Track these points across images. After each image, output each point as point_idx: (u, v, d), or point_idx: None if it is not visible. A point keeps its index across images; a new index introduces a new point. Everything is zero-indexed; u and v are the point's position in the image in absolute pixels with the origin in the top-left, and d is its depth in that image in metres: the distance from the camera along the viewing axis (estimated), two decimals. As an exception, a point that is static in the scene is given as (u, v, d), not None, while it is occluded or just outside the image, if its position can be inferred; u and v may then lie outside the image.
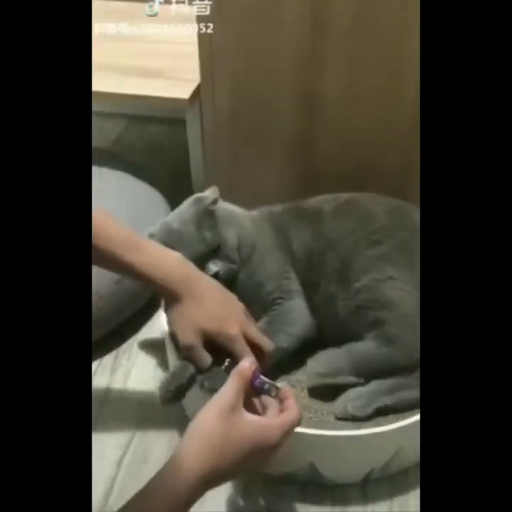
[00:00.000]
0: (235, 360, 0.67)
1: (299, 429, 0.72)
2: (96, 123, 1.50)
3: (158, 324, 1.01)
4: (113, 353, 0.99)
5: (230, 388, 0.60)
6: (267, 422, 0.61)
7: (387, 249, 0.82)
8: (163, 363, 0.97)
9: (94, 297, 0.92)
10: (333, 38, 0.92)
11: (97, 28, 1.14)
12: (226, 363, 0.67)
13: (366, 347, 0.78)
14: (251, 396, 0.64)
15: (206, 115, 1.06)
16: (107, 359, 0.98)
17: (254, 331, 0.75)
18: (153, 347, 1.00)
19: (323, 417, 0.77)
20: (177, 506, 0.54)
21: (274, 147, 1.07)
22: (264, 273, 0.85)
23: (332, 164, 1.05)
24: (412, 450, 0.77)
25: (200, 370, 0.72)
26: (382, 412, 0.75)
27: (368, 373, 0.77)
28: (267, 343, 0.76)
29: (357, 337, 0.80)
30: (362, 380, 0.77)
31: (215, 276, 0.80)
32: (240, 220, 0.87)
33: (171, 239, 0.82)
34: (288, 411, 0.62)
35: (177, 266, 0.73)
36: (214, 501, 0.78)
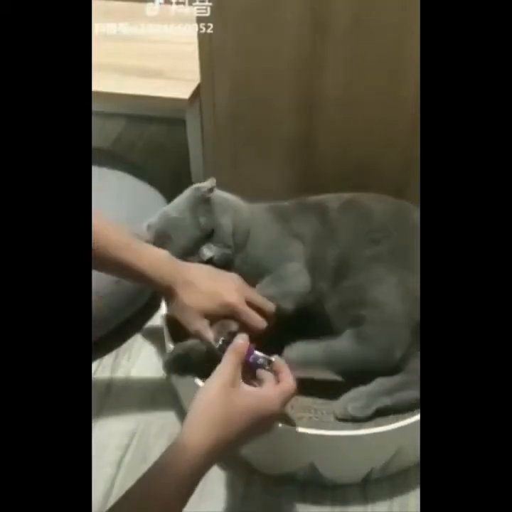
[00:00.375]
0: (243, 327, 0.72)
1: (299, 429, 0.72)
2: (96, 123, 1.50)
3: (158, 324, 1.01)
4: (113, 353, 0.99)
5: (228, 364, 0.63)
6: (266, 393, 0.64)
7: (382, 249, 0.82)
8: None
9: (94, 297, 0.92)
10: (333, 38, 0.92)
11: (97, 28, 1.14)
12: (220, 342, 0.70)
13: (341, 344, 0.78)
14: (246, 371, 0.66)
15: (206, 115, 1.06)
16: (107, 359, 0.98)
17: (254, 295, 0.77)
18: (154, 347, 1.00)
19: (323, 417, 0.77)
20: (186, 480, 0.56)
21: (274, 147, 1.07)
22: (261, 249, 0.85)
23: (332, 164, 1.05)
24: (412, 450, 0.77)
25: (217, 350, 0.72)
26: (383, 413, 0.75)
27: (342, 371, 0.77)
28: (268, 305, 0.77)
29: (337, 334, 0.79)
30: (339, 378, 0.77)
31: (210, 261, 0.81)
32: (235, 206, 0.88)
33: (167, 226, 0.83)
34: (283, 381, 0.65)
35: (166, 262, 0.75)
36: (214, 501, 0.78)
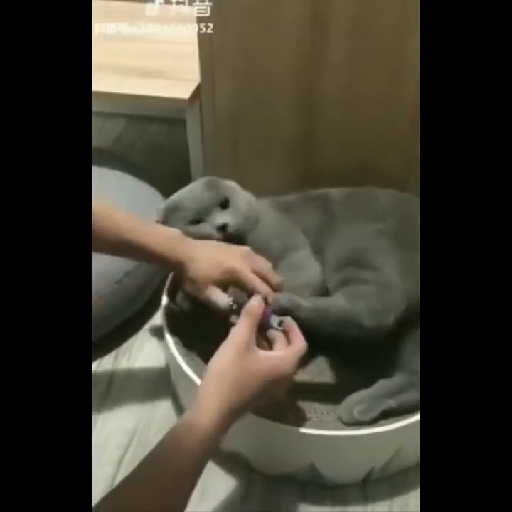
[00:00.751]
0: (249, 294, 0.71)
1: (299, 429, 0.72)
2: (96, 123, 1.50)
3: (158, 324, 1.01)
4: (113, 353, 0.99)
5: (242, 328, 0.63)
6: (279, 354, 0.65)
7: (386, 225, 0.82)
8: (163, 363, 0.97)
9: (94, 297, 0.92)
10: (333, 38, 0.92)
11: (97, 28, 1.14)
12: (234, 306, 0.71)
13: (332, 299, 0.76)
14: (259, 333, 0.67)
15: (206, 115, 1.06)
16: (107, 359, 0.98)
17: (260, 265, 0.76)
18: (154, 346, 1.00)
19: (323, 417, 0.77)
20: (204, 443, 0.56)
21: (274, 147, 1.07)
22: (270, 232, 0.86)
23: (332, 164, 1.05)
24: (412, 450, 0.77)
25: (226, 312, 0.73)
26: (387, 415, 0.74)
27: (330, 326, 0.73)
28: (275, 277, 0.76)
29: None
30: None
31: (223, 229, 0.82)
32: (247, 194, 0.89)
33: (178, 199, 0.86)
34: (295, 342, 0.66)
35: (175, 239, 0.77)
36: (214, 501, 0.78)
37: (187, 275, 0.75)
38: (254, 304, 0.66)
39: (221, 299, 0.73)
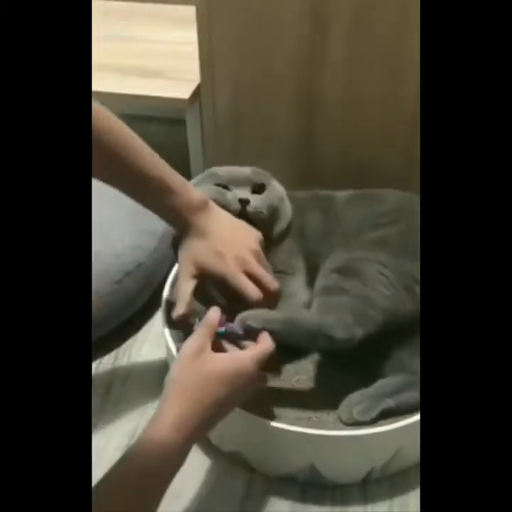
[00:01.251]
0: (236, 293, 0.71)
1: (299, 429, 0.72)
2: (96, 123, 1.50)
3: (158, 324, 1.01)
4: (113, 353, 0.99)
5: (195, 336, 0.64)
6: (237, 355, 0.65)
7: (387, 233, 0.82)
8: (163, 363, 0.97)
9: (94, 297, 0.92)
10: (333, 38, 0.92)
11: (97, 28, 1.14)
12: (197, 322, 0.70)
13: (303, 311, 0.76)
14: (227, 343, 0.68)
15: (206, 115, 1.06)
16: (107, 359, 0.98)
17: (257, 269, 0.74)
18: (154, 347, 1.00)
19: (323, 417, 0.77)
20: (165, 452, 0.56)
21: (274, 147, 1.07)
22: (274, 257, 0.85)
23: (332, 164, 1.05)
24: (412, 450, 0.77)
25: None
26: (387, 415, 0.74)
27: (299, 339, 0.73)
28: (270, 281, 0.74)
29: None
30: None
31: (243, 204, 0.82)
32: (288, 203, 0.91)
33: (219, 169, 0.88)
34: (259, 342, 0.66)
35: (198, 201, 0.75)
36: (214, 501, 0.78)
37: (186, 243, 0.73)
38: (212, 314, 0.67)
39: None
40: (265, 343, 0.66)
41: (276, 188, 0.90)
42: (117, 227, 1.01)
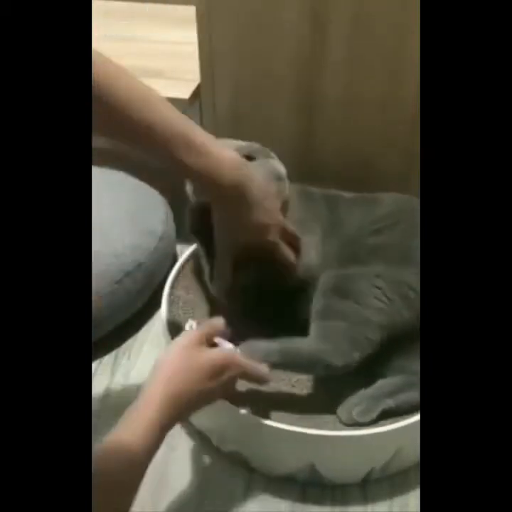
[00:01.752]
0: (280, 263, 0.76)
1: (299, 429, 0.72)
2: (96, 123, 1.50)
3: (158, 324, 1.01)
4: (113, 353, 0.99)
5: (195, 331, 0.67)
6: (231, 348, 0.68)
7: (383, 240, 0.81)
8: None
9: (94, 297, 0.92)
10: (333, 38, 0.92)
11: (97, 28, 1.14)
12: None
13: (299, 340, 0.76)
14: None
15: (206, 115, 1.06)
16: (107, 359, 0.98)
17: (293, 234, 0.79)
18: (153, 347, 1.00)
19: (323, 417, 0.77)
20: (150, 427, 0.58)
21: (274, 147, 1.07)
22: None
23: (332, 164, 1.05)
24: (412, 450, 0.77)
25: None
26: (386, 415, 0.74)
27: (298, 369, 0.77)
28: (298, 244, 0.80)
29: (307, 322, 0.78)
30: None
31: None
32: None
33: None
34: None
35: (232, 171, 0.69)
36: (214, 501, 0.78)
37: (250, 215, 0.71)
38: (218, 320, 0.70)
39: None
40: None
41: (273, 165, 0.86)
42: (117, 227, 1.01)
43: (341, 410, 0.76)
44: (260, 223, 0.73)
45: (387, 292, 0.77)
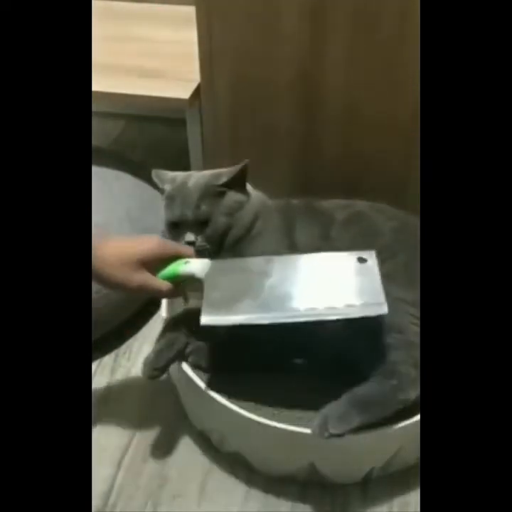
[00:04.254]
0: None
1: (299, 429, 0.72)
2: (96, 123, 1.50)
3: (159, 324, 1.01)
4: (113, 353, 0.99)
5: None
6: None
7: (389, 267, 0.80)
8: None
9: (94, 297, 0.92)
10: (333, 38, 0.92)
11: (97, 28, 1.14)
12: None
13: (369, 390, 0.74)
14: None
15: (206, 115, 1.06)
16: (107, 359, 0.98)
17: (171, 247, 0.79)
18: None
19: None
20: None
21: (274, 147, 1.07)
22: (255, 250, 0.84)
23: (332, 164, 1.05)
24: (412, 450, 0.77)
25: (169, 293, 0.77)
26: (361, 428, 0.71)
27: (370, 409, 0.72)
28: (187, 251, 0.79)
29: (357, 361, 0.77)
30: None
31: (192, 244, 0.84)
32: (248, 205, 0.87)
33: (175, 190, 0.86)
34: None
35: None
36: (214, 501, 0.78)
37: (100, 257, 0.71)
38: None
39: (156, 283, 0.74)
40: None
41: (233, 198, 0.86)
42: (117, 227, 1.01)
43: (313, 424, 0.71)
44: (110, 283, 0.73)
45: (416, 313, 0.76)
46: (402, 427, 0.72)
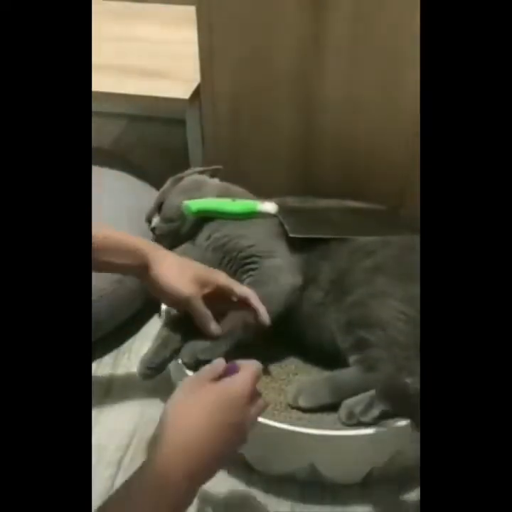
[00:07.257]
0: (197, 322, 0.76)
1: (298, 429, 0.72)
2: (96, 123, 1.50)
3: (158, 324, 1.01)
4: (113, 353, 0.99)
5: (197, 375, 0.60)
6: (228, 379, 0.58)
7: (380, 259, 0.81)
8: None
9: (94, 297, 0.92)
10: (334, 39, 0.92)
11: (97, 28, 1.14)
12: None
13: (348, 375, 0.77)
14: None
15: (206, 115, 1.06)
16: (107, 359, 0.98)
17: (222, 280, 0.76)
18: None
19: (323, 416, 0.77)
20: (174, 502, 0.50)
21: (274, 148, 1.07)
22: (240, 232, 0.86)
23: (332, 165, 1.05)
24: (412, 450, 0.77)
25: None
26: (388, 415, 0.73)
27: (347, 397, 0.76)
28: (241, 289, 0.77)
29: (340, 354, 0.79)
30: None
31: (153, 231, 0.93)
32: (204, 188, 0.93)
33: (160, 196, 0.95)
34: (243, 367, 0.60)
35: (139, 242, 0.77)
36: (214, 501, 0.78)
37: (155, 274, 0.74)
38: (220, 362, 0.61)
39: (212, 324, 0.75)
40: (250, 365, 0.61)
41: (191, 178, 0.95)
42: (117, 227, 1.01)
43: (342, 410, 0.75)
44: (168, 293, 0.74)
45: (404, 310, 0.77)
46: (402, 427, 0.72)
